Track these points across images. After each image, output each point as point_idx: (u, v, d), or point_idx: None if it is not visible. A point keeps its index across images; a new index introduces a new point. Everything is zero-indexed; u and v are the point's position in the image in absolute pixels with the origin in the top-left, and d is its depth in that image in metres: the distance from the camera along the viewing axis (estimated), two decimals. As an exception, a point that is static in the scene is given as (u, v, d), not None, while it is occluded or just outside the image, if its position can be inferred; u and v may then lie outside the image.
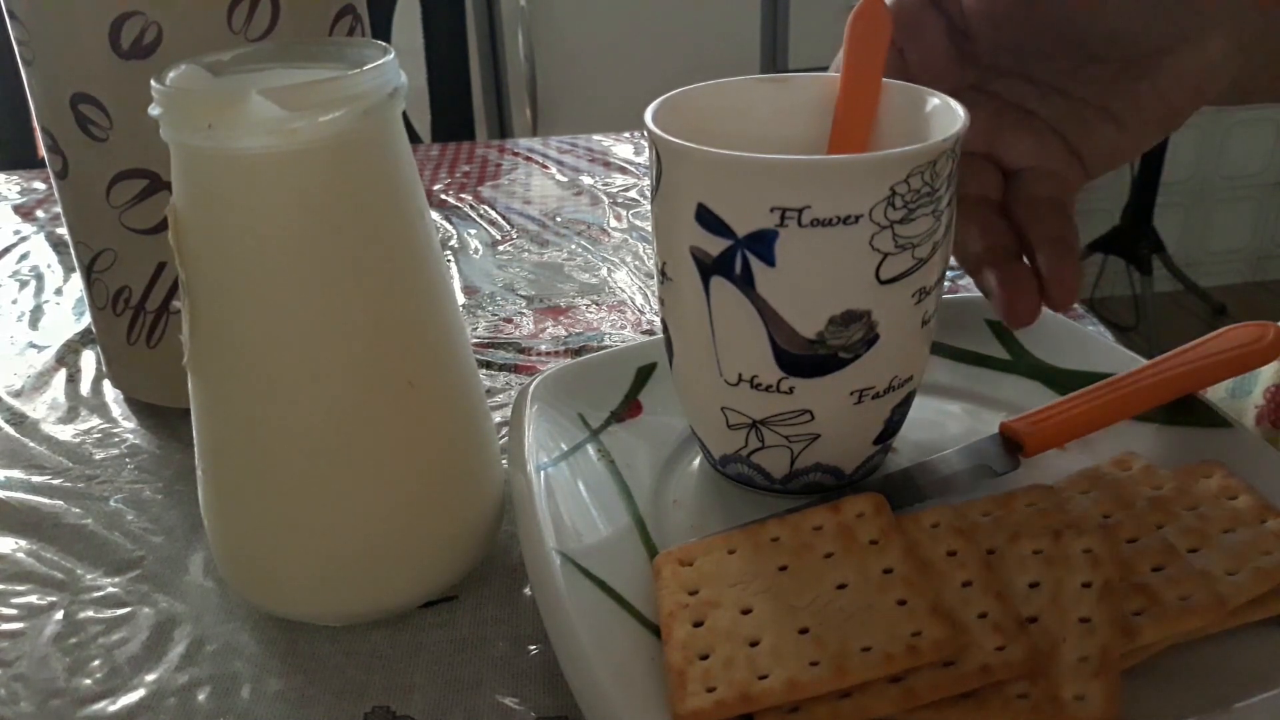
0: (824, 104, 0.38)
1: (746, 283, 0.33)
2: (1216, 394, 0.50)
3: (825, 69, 0.40)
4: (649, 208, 0.37)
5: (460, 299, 0.64)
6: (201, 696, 0.36)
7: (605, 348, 0.56)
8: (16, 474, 0.48)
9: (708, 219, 0.33)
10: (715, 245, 0.33)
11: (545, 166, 0.85)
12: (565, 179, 0.82)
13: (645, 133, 0.34)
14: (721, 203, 0.32)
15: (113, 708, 0.36)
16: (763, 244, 0.32)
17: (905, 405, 0.37)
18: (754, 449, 0.37)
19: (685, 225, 0.33)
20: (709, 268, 0.33)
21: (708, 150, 0.32)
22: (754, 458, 0.37)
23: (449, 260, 0.69)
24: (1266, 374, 0.47)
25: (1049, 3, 0.36)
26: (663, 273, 0.36)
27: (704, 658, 0.31)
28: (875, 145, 0.37)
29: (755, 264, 0.32)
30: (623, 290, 0.64)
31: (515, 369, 0.56)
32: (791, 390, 0.35)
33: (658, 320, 0.60)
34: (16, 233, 0.76)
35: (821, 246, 0.32)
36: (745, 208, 0.32)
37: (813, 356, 0.34)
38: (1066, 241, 0.38)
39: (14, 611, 0.40)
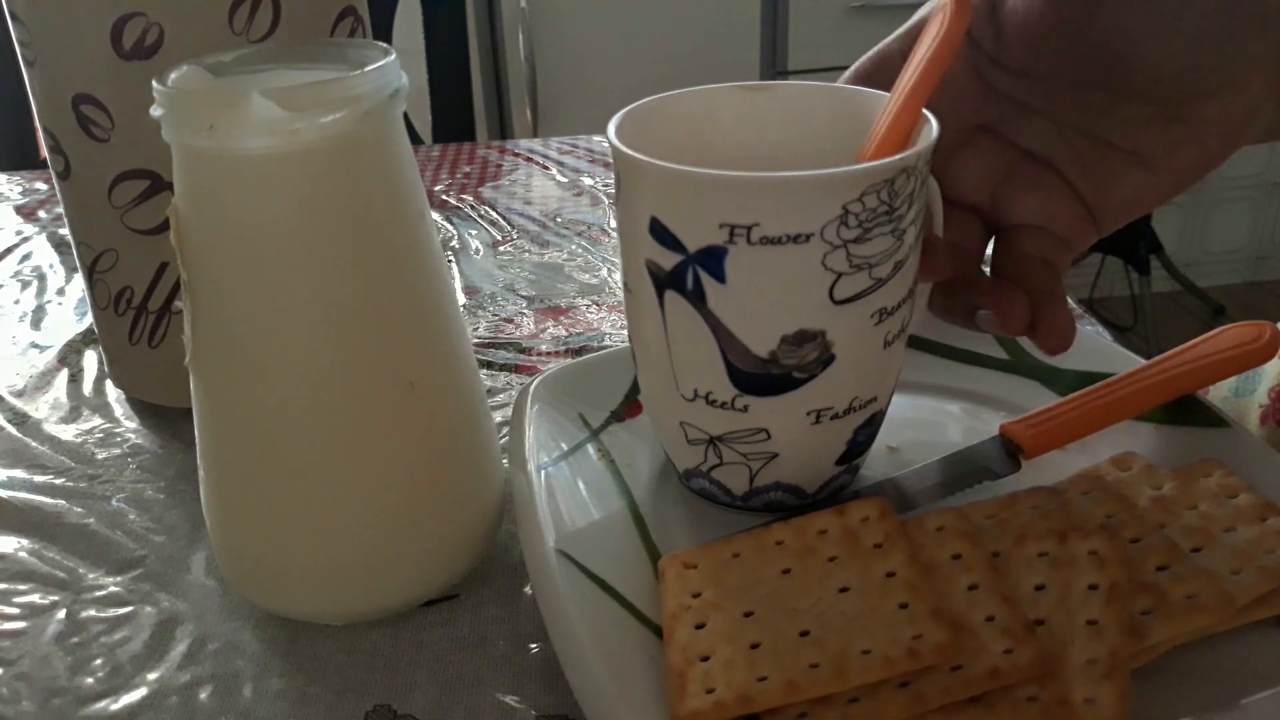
0: (804, 113, 0.37)
1: (698, 298, 0.32)
2: (1219, 393, 0.50)
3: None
4: None
5: (461, 299, 0.64)
6: (203, 695, 0.36)
7: (605, 348, 0.56)
8: (19, 474, 0.48)
9: (660, 233, 0.32)
10: (668, 259, 0.32)
11: (546, 167, 0.85)
12: (566, 180, 0.83)
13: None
14: (673, 217, 0.32)
15: (114, 706, 0.36)
16: (713, 260, 0.31)
17: (871, 426, 0.36)
18: (713, 465, 0.37)
19: (640, 238, 0.33)
20: (663, 281, 0.33)
21: (658, 164, 0.31)
22: (714, 474, 0.37)
23: (450, 261, 0.70)
24: (1270, 373, 0.47)
25: (1100, 28, 0.32)
26: (625, 285, 0.36)
27: (705, 659, 0.31)
28: (840, 159, 0.35)
29: (706, 280, 0.32)
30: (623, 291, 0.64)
31: (516, 369, 0.56)
32: (746, 408, 0.34)
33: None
34: (19, 233, 0.77)
35: (772, 264, 0.31)
36: (695, 223, 0.31)
37: (766, 375, 0.33)
38: (1055, 294, 0.35)
39: (16, 611, 0.40)
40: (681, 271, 0.32)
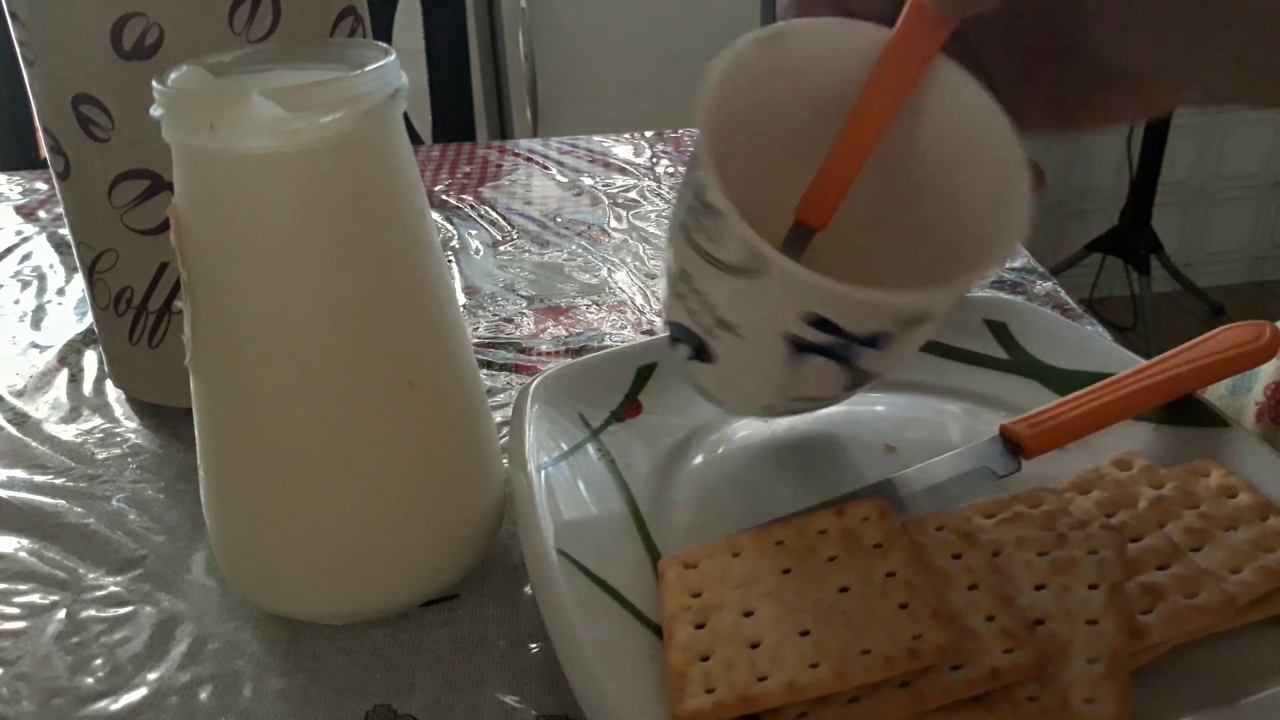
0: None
1: (845, 360, 0.32)
2: (1217, 391, 0.50)
3: None
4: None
5: (461, 299, 0.64)
6: (203, 695, 0.36)
7: (605, 348, 0.56)
8: (19, 474, 0.48)
9: (819, 322, 0.31)
10: (820, 337, 0.31)
11: (546, 167, 0.85)
12: (566, 180, 0.83)
13: (721, 209, 0.30)
14: (841, 317, 0.31)
15: (115, 706, 0.36)
16: (876, 339, 0.31)
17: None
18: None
19: (784, 317, 0.31)
20: (804, 347, 0.32)
21: (841, 288, 0.29)
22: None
23: (450, 261, 0.70)
24: (1267, 370, 0.47)
25: (1060, 16, 0.31)
26: (723, 321, 0.33)
27: (705, 659, 0.31)
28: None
29: (860, 349, 0.32)
30: (623, 290, 0.64)
31: (516, 369, 0.56)
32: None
33: (658, 320, 0.60)
34: (19, 233, 0.77)
35: (921, 335, 0.33)
36: (867, 321, 0.31)
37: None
38: None
39: (16, 610, 0.40)
40: (835, 347, 0.32)
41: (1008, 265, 0.64)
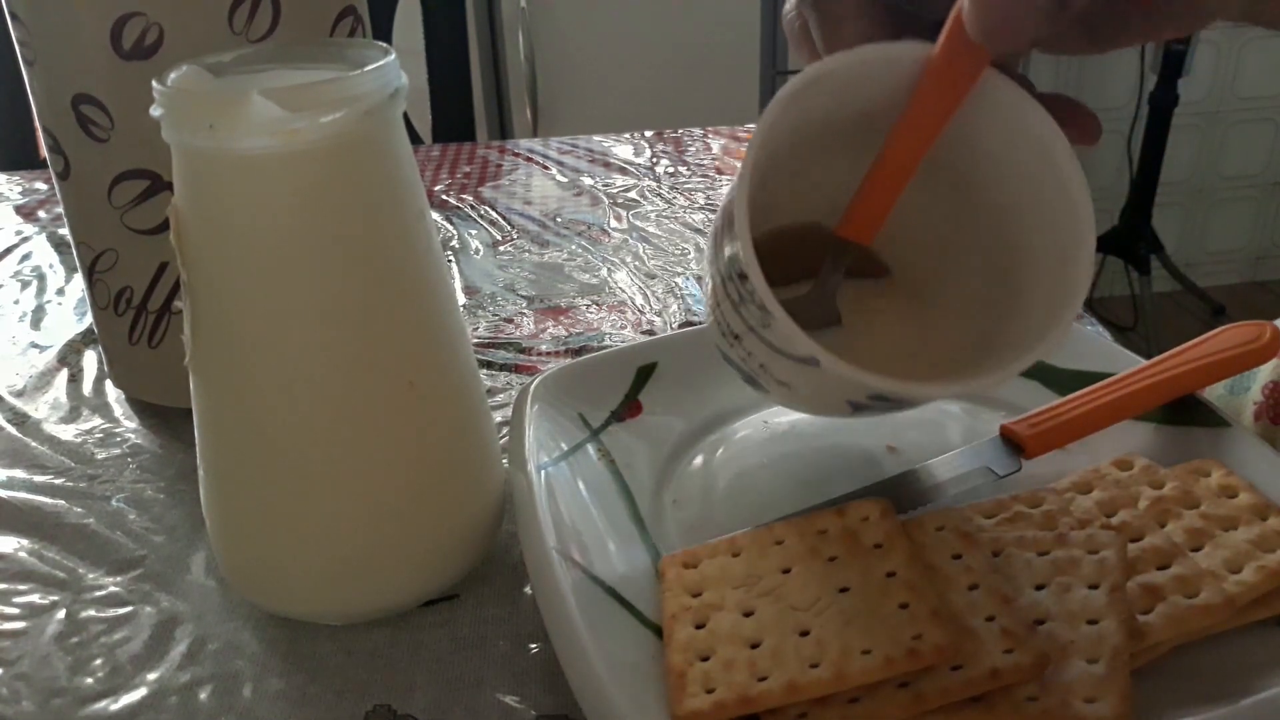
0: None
1: (904, 407, 0.33)
2: (1214, 391, 0.50)
3: None
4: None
5: (461, 299, 0.64)
6: (203, 695, 0.36)
7: (605, 348, 0.56)
8: (18, 474, 0.48)
9: (883, 398, 0.31)
10: (880, 404, 0.32)
11: (546, 167, 0.85)
12: (566, 180, 0.83)
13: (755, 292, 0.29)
14: (897, 395, 0.31)
15: (114, 707, 0.36)
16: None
17: None
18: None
19: (843, 393, 0.32)
20: (865, 407, 0.33)
21: (899, 385, 0.29)
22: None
23: (450, 260, 0.70)
24: (1265, 370, 0.47)
25: None
26: (779, 381, 0.33)
27: (705, 659, 0.31)
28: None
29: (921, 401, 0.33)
30: (623, 291, 0.64)
31: (516, 369, 0.56)
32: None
33: (658, 320, 0.60)
34: (18, 233, 0.77)
35: None
36: (924, 398, 0.32)
37: None
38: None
39: (16, 611, 0.40)
40: (899, 405, 0.33)
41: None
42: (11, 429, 0.52)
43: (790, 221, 0.35)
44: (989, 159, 0.33)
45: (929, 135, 0.31)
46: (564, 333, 0.59)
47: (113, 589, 0.41)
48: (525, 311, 0.62)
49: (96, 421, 0.52)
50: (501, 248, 0.71)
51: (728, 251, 0.31)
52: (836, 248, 0.34)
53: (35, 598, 0.41)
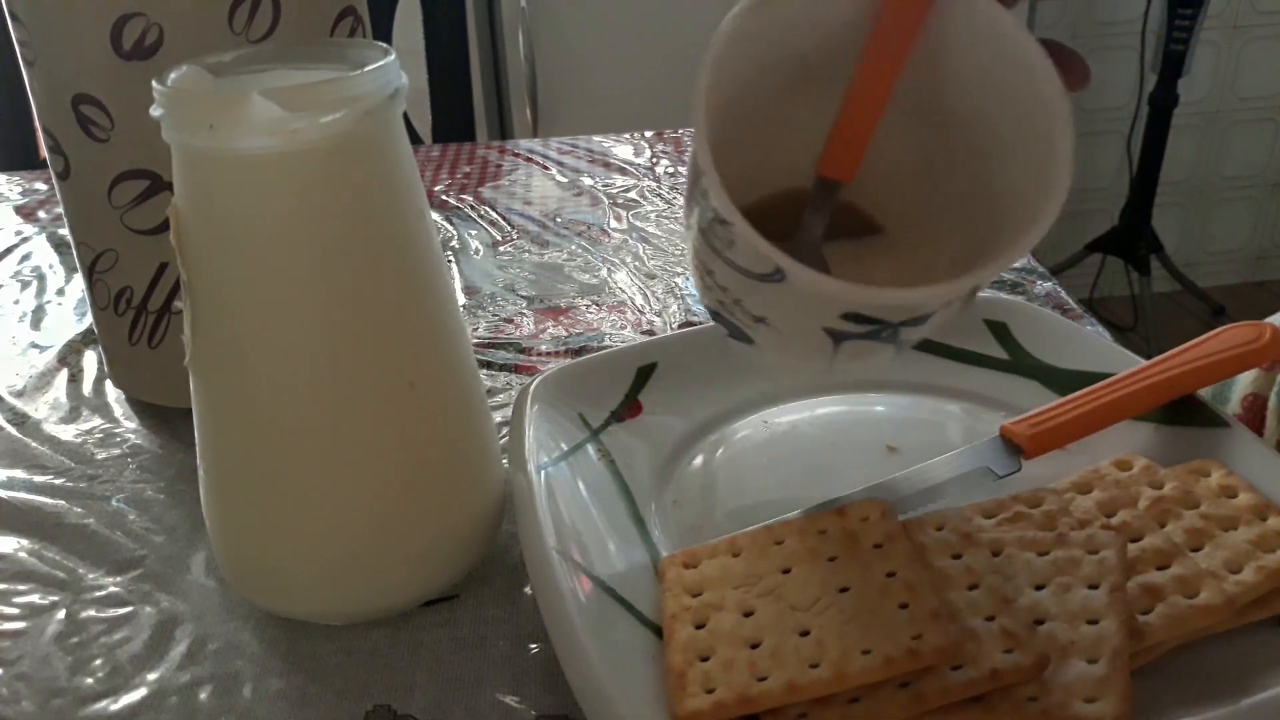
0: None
1: (890, 339, 0.32)
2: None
3: None
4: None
5: (461, 299, 0.64)
6: (203, 695, 0.36)
7: (605, 348, 0.56)
8: (18, 474, 0.48)
9: (859, 319, 0.30)
10: (860, 328, 0.31)
11: (546, 167, 0.85)
12: (565, 180, 0.83)
13: (707, 191, 0.29)
14: (875, 312, 0.30)
15: (114, 707, 0.36)
16: (919, 320, 0.31)
17: None
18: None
19: (819, 317, 0.31)
20: (846, 335, 0.31)
21: (870, 293, 0.29)
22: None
23: (449, 261, 0.70)
24: (1244, 382, 0.47)
25: None
26: (757, 318, 0.32)
27: (704, 659, 0.31)
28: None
29: (907, 329, 0.31)
30: (623, 291, 0.64)
31: (515, 369, 0.56)
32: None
33: (658, 320, 0.60)
34: (18, 233, 0.77)
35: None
36: (904, 312, 0.30)
37: None
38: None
39: (16, 611, 0.40)
40: (878, 331, 0.31)
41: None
42: (11, 429, 0.52)
43: (776, 190, 0.35)
44: (956, 72, 0.32)
45: (899, 50, 0.30)
46: (564, 333, 0.59)
47: (113, 589, 0.41)
48: (525, 312, 0.62)
49: (96, 421, 0.52)
50: (501, 248, 0.71)
51: (696, 184, 0.30)
52: (818, 188, 0.33)
53: (35, 598, 0.41)
